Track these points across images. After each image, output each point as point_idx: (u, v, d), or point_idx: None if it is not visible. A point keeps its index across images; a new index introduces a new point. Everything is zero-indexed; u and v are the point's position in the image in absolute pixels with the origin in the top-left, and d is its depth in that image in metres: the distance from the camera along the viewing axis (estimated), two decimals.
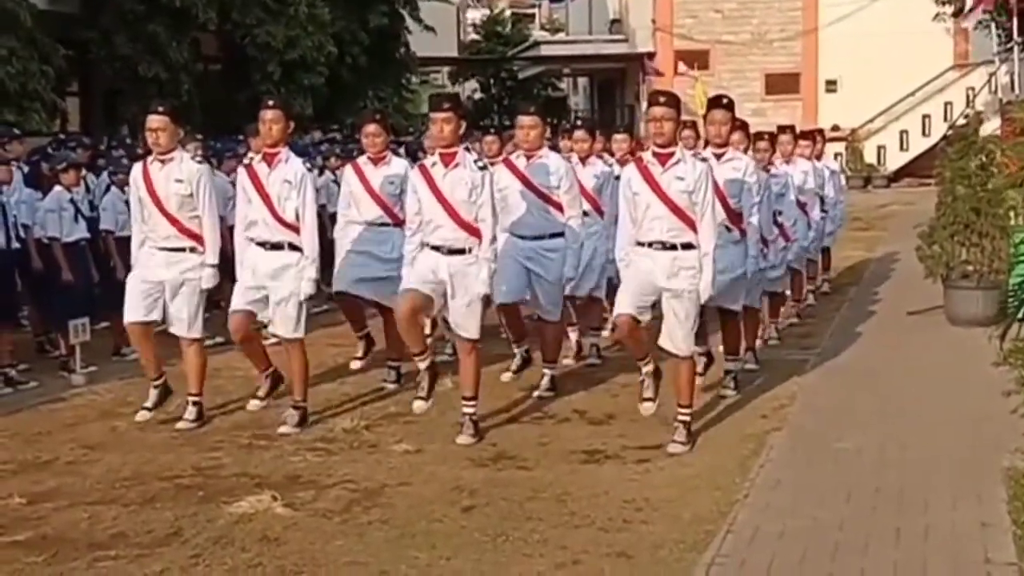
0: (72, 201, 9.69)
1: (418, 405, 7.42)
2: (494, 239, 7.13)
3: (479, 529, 5.55)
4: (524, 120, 8.06)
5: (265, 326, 7.93)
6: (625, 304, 6.78)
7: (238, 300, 7.50)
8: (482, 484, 6.25)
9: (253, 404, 7.85)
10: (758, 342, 9.50)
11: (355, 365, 8.84)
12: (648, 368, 7.08)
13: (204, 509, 5.93)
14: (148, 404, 7.79)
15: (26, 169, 10.68)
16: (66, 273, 9.50)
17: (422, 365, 7.37)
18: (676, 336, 6.77)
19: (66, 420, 7.92)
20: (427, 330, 8.42)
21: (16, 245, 9.24)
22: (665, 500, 5.90)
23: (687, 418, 6.90)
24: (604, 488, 6.11)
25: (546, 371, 8.28)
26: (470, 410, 7.19)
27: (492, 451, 6.91)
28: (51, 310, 9.74)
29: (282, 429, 7.38)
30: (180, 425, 7.56)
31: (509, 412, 7.81)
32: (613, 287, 9.06)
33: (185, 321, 7.60)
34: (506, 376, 8.34)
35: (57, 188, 9.71)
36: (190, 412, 7.64)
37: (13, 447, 7.27)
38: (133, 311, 7.58)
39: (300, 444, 7.14)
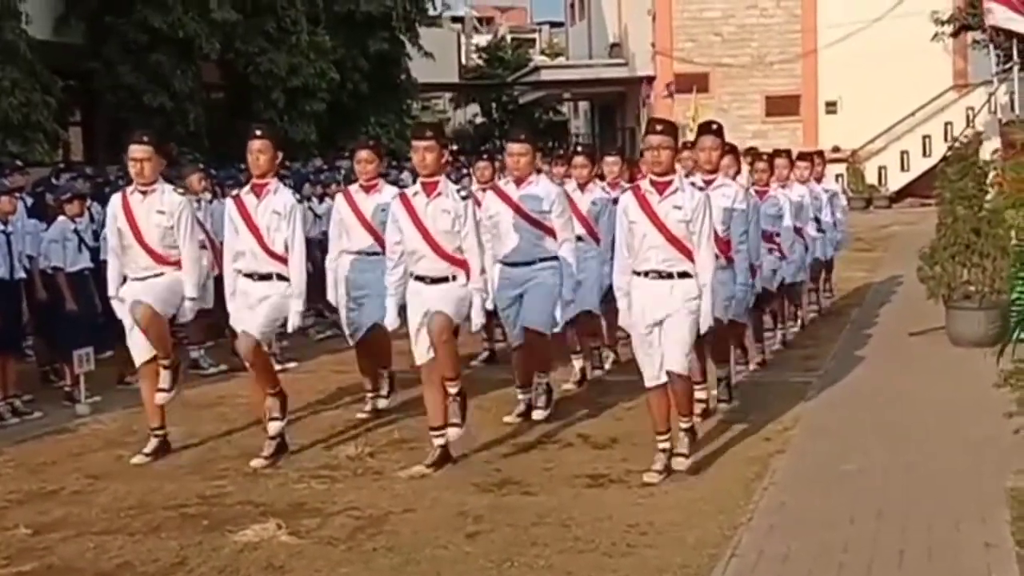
0: (76, 231, 9.75)
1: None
2: (484, 270, 7.11)
3: (484, 555, 5.55)
4: (514, 147, 8.04)
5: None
6: (653, 376, 6.69)
7: (239, 323, 7.38)
8: (487, 510, 6.25)
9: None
10: (752, 366, 9.55)
11: (382, 404, 8.59)
12: (664, 445, 6.80)
13: (209, 538, 5.94)
14: (147, 451, 7.58)
15: (30, 200, 10.73)
16: (70, 303, 9.55)
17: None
18: (672, 354, 6.66)
19: (71, 450, 7.93)
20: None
21: (21, 275, 9.29)
22: (669, 524, 5.91)
23: (688, 423, 6.85)
24: (608, 512, 6.12)
25: (539, 380, 8.17)
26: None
27: (496, 476, 6.91)
28: (56, 340, 9.78)
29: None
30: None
31: (513, 437, 7.81)
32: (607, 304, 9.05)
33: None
34: (508, 418, 8.16)
35: (61, 218, 9.77)
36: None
37: (18, 477, 7.29)
38: (140, 353, 7.51)
39: (304, 471, 7.15)
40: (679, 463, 6.76)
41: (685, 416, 6.86)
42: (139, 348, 7.54)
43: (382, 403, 8.62)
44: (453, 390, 7.07)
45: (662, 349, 6.67)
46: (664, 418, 6.79)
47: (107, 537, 6.01)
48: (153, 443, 7.61)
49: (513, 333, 8.14)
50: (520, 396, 8.24)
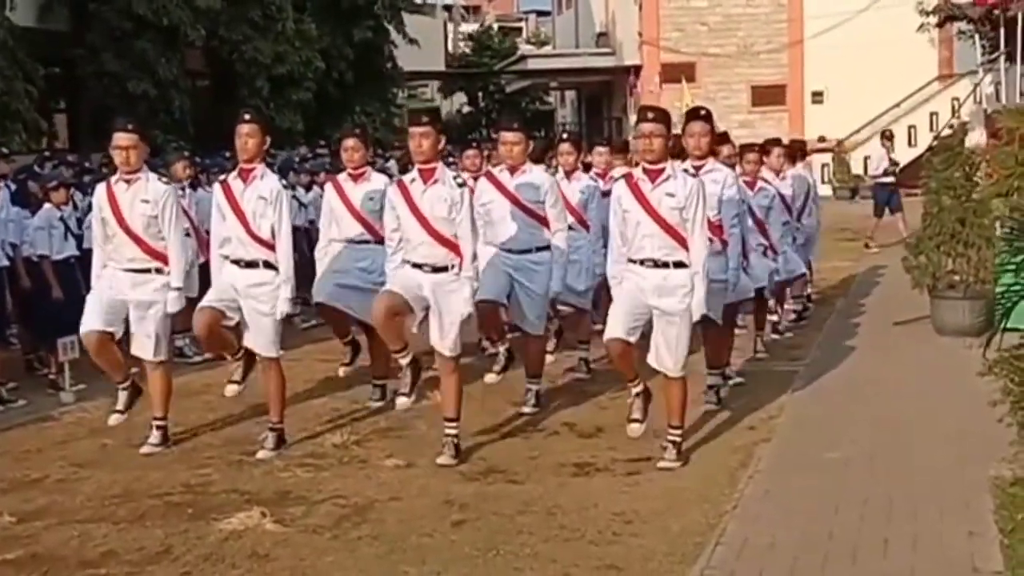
0: (62, 219, 9.72)
1: (401, 401, 7.27)
2: (475, 257, 7.08)
3: (469, 544, 5.56)
4: (507, 136, 8.01)
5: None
6: (616, 328, 6.68)
7: (209, 298, 7.31)
8: (472, 498, 6.26)
9: (230, 389, 7.60)
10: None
11: (342, 372, 8.62)
12: (637, 389, 6.95)
13: (194, 526, 5.94)
14: (119, 407, 7.56)
15: (13, 188, 10.68)
16: (56, 290, 9.52)
17: (403, 361, 7.17)
18: (666, 358, 6.71)
19: (56, 438, 7.91)
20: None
21: (4, 263, 9.24)
22: (655, 512, 5.92)
23: (677, 438, 6.87)
24: (594, 501, 6.13)
25: (530, 387, 8.22)
26: (452, 431, 7.08)
27: (482, 465, 6.92)
28: (40, 328, 9.74)
29: (260, 454, 7.24)
30: (144, 450, 7.42)
31: (499, 426, 7.82)
32: (599, 301, 9.08)
33: (151, 344, 7.39)
34: (490, 377, 8.17)
35: (47, 206, 9.74)
36: (154, 436, 7.50)
37: (3, 465, 7.26)
38: (92, 320, 7.29)
39: (290, 460, 7.14)
40: (635, 427, 6.96)
41: (676, 427, 6.87)
42: (91, 316, 7.35)
43: (343, 371, 8.61)
44: (451, 431, 7.07)
45: (655, 347, 6.73)
46: (630, 366, 6.83)
47: (91, 525, 6.00)
48: (123, 397, 7.57)
49: (482, 289, 7.82)
50: (498, 348, 8.28)
